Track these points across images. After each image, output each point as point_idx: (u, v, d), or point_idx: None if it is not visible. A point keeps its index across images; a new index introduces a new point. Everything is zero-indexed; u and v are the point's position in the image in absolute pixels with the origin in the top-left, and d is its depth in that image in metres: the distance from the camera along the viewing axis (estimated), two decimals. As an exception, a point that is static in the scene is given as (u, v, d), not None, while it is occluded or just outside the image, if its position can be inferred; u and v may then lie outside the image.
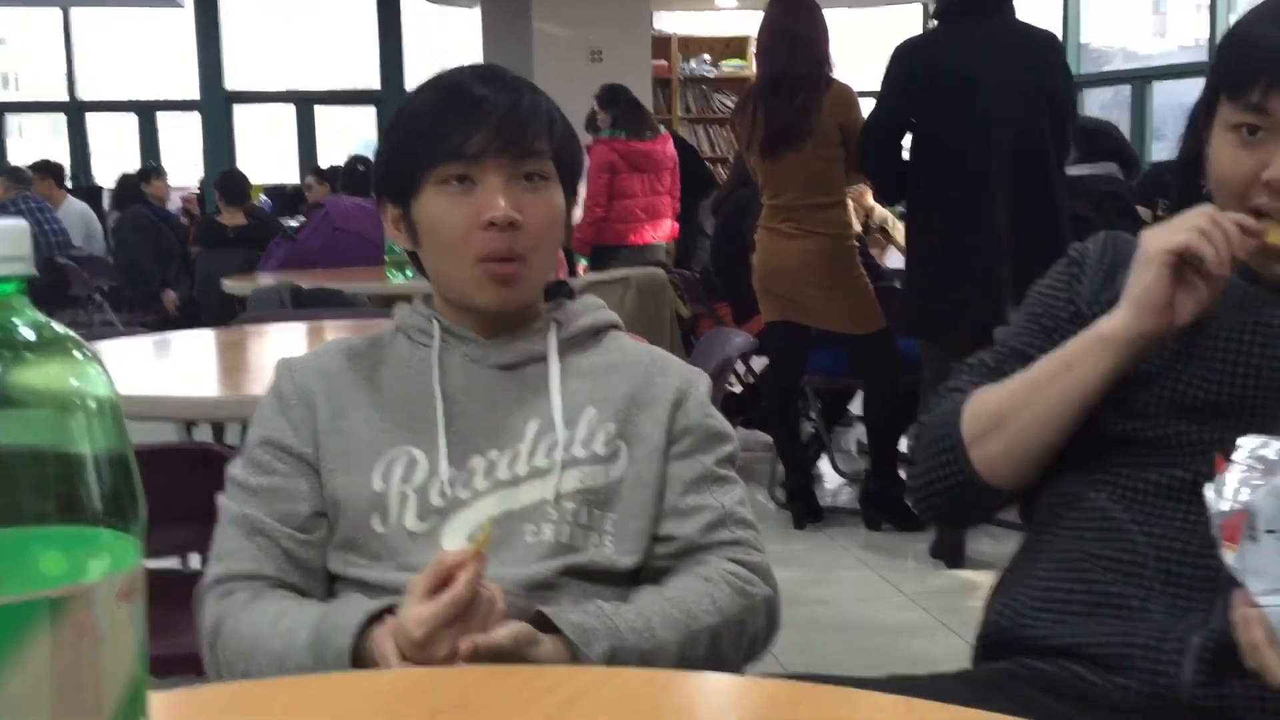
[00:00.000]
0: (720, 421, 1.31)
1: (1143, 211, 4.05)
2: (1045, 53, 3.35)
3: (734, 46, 9.51)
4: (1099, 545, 1.14)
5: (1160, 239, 1.08)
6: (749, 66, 9.26)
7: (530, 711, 0.82)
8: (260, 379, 2.32)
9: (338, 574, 1.22)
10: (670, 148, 5.35)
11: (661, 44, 9.17)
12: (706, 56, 9.41)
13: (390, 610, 1.07)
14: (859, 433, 4.72)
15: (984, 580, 3.25)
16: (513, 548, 1.17)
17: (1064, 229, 3.26)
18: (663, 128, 5.56)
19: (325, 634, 1.08)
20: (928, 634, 2.98)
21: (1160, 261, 1.07)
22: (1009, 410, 1.17)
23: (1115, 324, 1.11)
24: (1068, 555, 1.16)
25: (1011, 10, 3.35)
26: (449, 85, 1.26)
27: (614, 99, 5.31)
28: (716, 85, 9.43)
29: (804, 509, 3.87)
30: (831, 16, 3.79)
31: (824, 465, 4.52)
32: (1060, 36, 9.00)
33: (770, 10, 3.71)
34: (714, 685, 0.91)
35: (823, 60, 3.62)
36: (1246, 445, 0.89)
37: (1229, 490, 0.86)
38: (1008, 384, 1.19)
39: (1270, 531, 0.82)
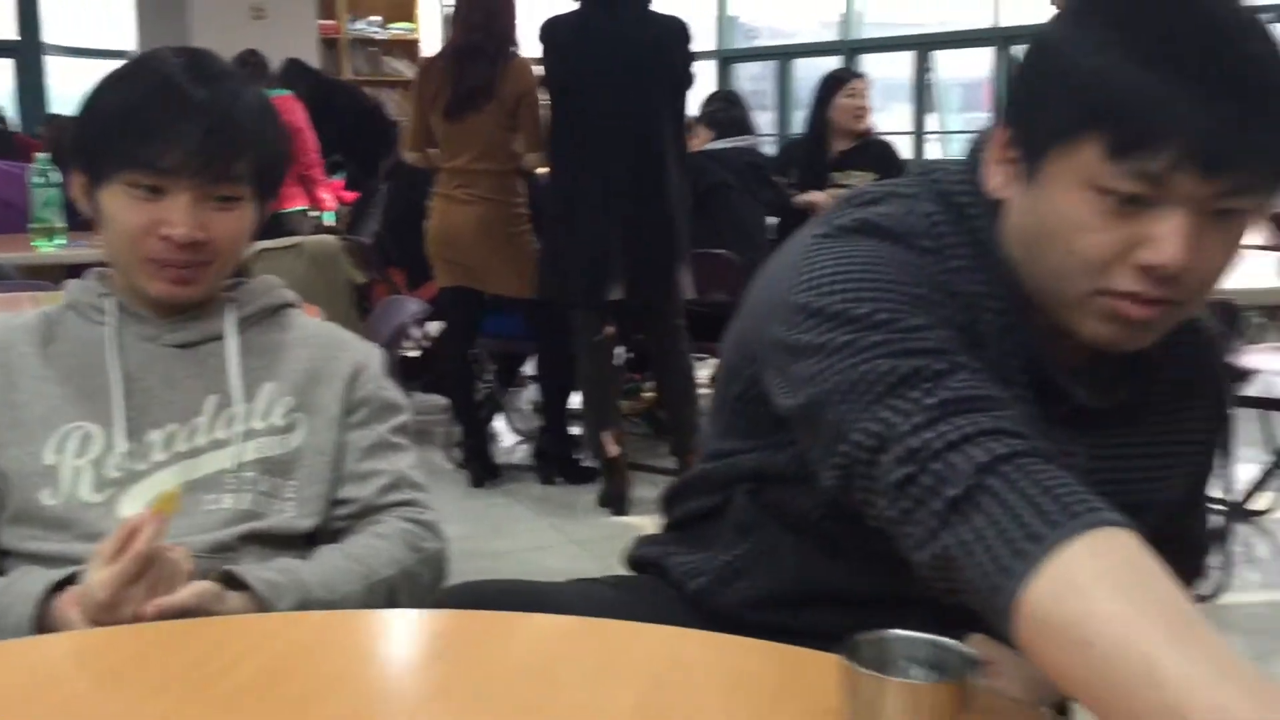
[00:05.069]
0: (394, 393, 1.42)
1: (777, 180, 4.48)
2: (671, 38, 3.62)
3: (403, 9, 9.39)
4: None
5: None
6: (418, 30, 9.21)
7: (209, 662, 0.87)
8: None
9: (10, 549, 1.23)
10: (285, 112, 5.23)
11: (328, 2, 8.94)
12: (376, 18, 9.27)
13: (73, 579, 1.10)
14: (534, 392, 4.90)
15: (647, 525, 3.52)
16: (192, 515, 1.23)
17: (676, 211, 3.59)
18: (287, 90, 5.42)
19: (5, 603, 1.10)
20: (597, 577, 3.20)
21: None
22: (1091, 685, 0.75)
23: None
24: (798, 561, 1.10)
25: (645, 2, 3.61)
26: (157, 77, 1.25)
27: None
28: (387, 47, 9.29)
29: (481, 468, 4.02)
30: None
31: (500, 425, 4.68)
32: (714, 11, 9.53)
33: None
34: (392, 620, 1.03)
35: (510, 32, 3.81)
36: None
37: None
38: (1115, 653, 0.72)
39: None
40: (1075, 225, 0.89)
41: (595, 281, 3.62)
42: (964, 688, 0.71)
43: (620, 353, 4.09)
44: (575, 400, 4.14)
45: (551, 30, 3.67)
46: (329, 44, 8.85)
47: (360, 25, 9.14)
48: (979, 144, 1.02)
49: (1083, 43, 0.89)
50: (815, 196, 4.33)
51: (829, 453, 0.90)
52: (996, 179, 0.97)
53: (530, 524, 3.63)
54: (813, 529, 1.05)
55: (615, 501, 3.69)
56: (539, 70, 3.75)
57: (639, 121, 3.56)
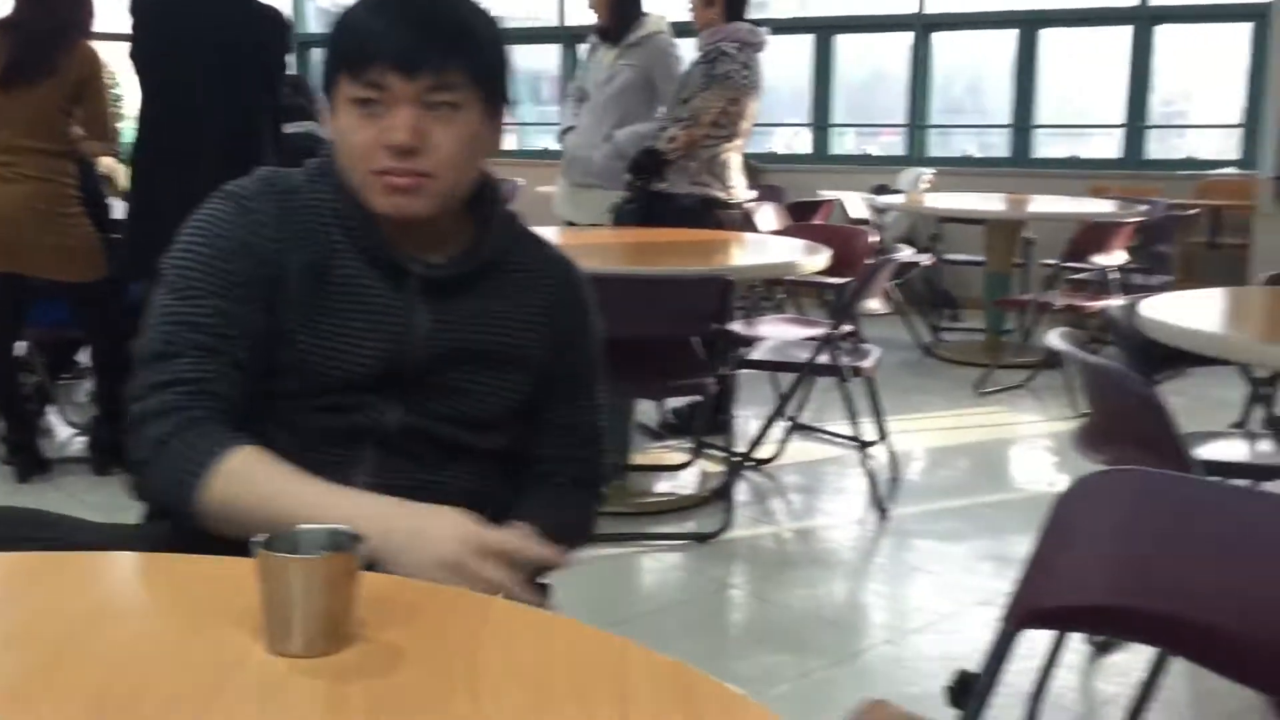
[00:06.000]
0: None
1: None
2: (268, 27, 3.65)
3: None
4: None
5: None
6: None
7: None
8: None
9: None
10: None
11: None
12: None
13: None
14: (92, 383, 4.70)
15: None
16: None
17: None
18: None
19: None
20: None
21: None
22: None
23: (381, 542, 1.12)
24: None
25: None
26: None
27: None
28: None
29: (28, 462, 3.85)
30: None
31: (55, 417, 4.47)
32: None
33: None
34: None
35: (76, 14, 3.70)
36: None
37: None
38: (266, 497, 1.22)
39: None
40: (349, 131, 1.30)
41: None
42: (350, 559, 0.90)
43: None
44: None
45: (140, 5, 3.59)
46: None
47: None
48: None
49: (347, 8, 1.34)
50: None
51: None
52: (327, 127, 1.37)
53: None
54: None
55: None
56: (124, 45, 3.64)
57: (230, 101, 3.53)
